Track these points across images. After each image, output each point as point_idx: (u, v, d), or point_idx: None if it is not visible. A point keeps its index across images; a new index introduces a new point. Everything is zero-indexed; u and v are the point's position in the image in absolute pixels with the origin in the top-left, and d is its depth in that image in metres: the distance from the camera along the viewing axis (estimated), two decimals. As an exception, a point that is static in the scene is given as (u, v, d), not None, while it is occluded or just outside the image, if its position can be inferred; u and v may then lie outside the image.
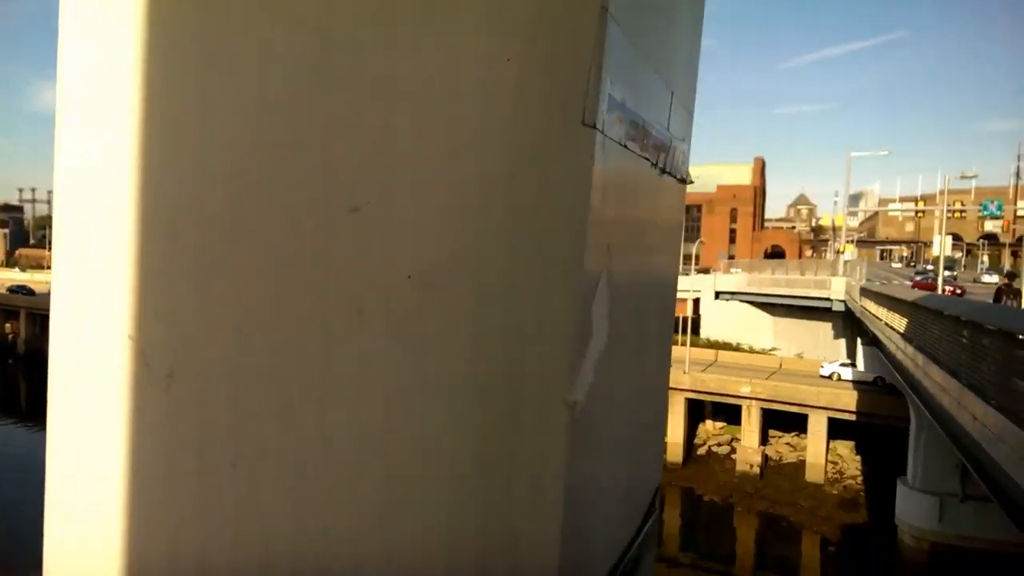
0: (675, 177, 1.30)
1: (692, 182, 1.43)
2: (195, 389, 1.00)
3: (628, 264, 1.11)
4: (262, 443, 1.00)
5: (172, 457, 1.02)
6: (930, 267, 59.12)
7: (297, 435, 0.98)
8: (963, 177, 44.21)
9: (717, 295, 59.21)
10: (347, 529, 0.99)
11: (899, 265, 76.78)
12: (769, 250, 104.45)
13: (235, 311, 0.97)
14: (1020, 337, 10.50)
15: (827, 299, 48.46)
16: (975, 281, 57.79)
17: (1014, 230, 35.16)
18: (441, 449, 0.93)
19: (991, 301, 26.07)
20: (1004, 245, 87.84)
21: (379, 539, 0.98)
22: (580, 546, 1.02)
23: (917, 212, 68.25)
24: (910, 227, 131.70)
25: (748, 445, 42.03)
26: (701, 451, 44.28)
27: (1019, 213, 28.82)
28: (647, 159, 1.08)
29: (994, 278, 48.89)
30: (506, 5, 0.85)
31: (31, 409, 45.57)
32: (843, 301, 45.96)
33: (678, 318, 52.26)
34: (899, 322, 23.98)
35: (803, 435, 41.70)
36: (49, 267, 1.39)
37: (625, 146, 0.95)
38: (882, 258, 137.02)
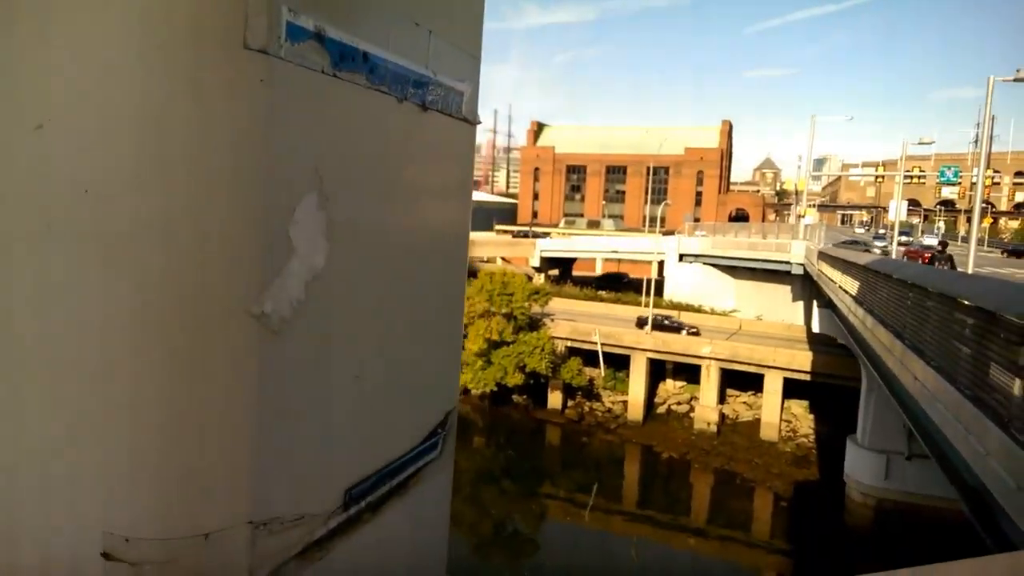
0: (449, 115, 1.34)
1: (479, 122, 1.47)
2: None
3: (367, 196, 1.15)
4: None
5: None
6: (883, 231, 60.38)
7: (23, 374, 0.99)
8: (921, 143, 44.82)
9: (681, 257, 59.78)
10: (63, 468, 1.00)
11: (862, 230, 78.15)
12: (734, 213, 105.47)
13: None
14: (958, 300, 10.75)
15: (787, 262, 49.27)
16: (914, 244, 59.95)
17: (970, 196, 35.92)
18: (128, 360, 0.94)
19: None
20: (960, 211, 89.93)
21: (63, 467, 0.99)
22: (288, 465, 1.05)
23: (877, 177, 69.34)
24: (871, 192, 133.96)
25: (706, 404, 43.01)
26: (661, 410, 45.20)
27: (973, 180, 29.36)
28: (385, 92, 1.12)
29: (933, 241, 51.28)
30: None
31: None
32: (802, 265, 46.76)
33: (644, 280, 52.78)
34: (851, 285, 24.49)
35: (759, 394, 42.79)
36: None
37: (335, 75, 1.00)
38: (843, 222, 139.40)
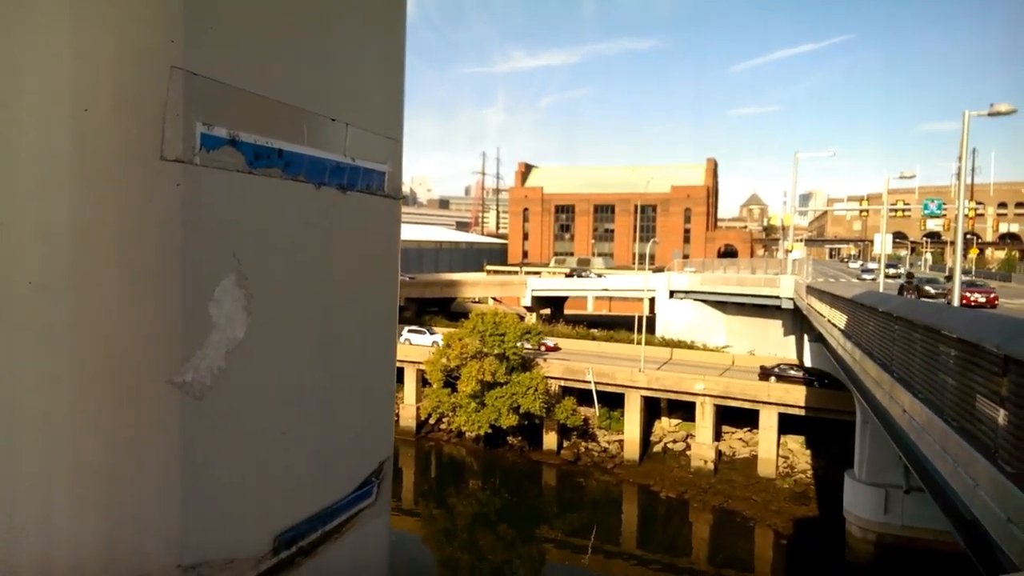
0: (372, 194, 1.54)
1: (401, 197, 1.66)
2: None
3: (289, 270, 1.32)
4: None
5: None
6: (873, 264, 61.06)
7: None
8: (902, 177, 45.65)
9: (671, 294, 60.01)
10: None
11: (856, 265, 78.75)
12: (722, 249, 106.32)
13: None
14: (942, 332, 10.89)
15: (776, 297, 49.53)
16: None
17: (954, 228, 36.56)
18: (60, 443, 1.08)
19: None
20: (947, 243, 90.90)
21: (1, 538, 1.11)
22: (215, 515, 1.19)
23: (862, 211, 70.30)
24: (858, 226, 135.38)
25: (702, 441, 42.70)
26: (657, 448, 44.83)
27: (956, 212, 30.10)
28: (302, 180, 1.31)
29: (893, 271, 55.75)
30: (79, 63, 1.05)
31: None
32: (791, 299, 47.02)
33: (635, 316, 52.87)
34: (839, 318, 24.66)
35: (755, 430, 42.53)
36: None
37: (250, 172, 1.17)
38: (831, 256, 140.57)
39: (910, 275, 38.23)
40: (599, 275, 76.12)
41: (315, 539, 1.41)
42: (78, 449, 1.09)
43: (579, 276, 76.88)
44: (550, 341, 52.78)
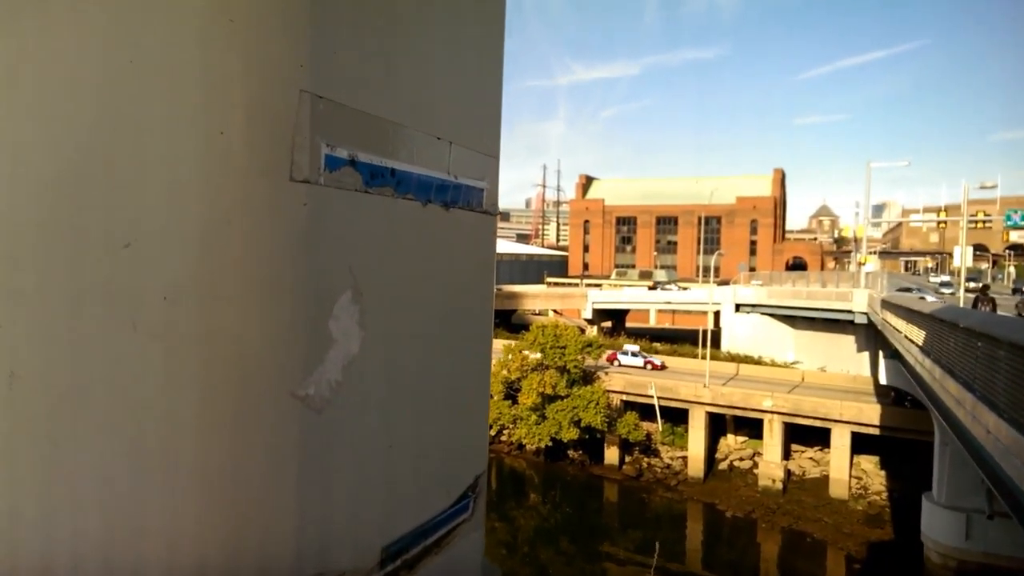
0: (471, 210, 1.59)
1: (497, 213, 1.72)
2: None
3: (399, 287, 1.38)
4: (27, 443, 1.21)
5: None
6: (949, 278, 58.37)
7: (50, 436, 1.19)
8: (982, 187, 43.55)
9: (737, 308, 58.68)
10: (97, 529, 1.16)
11: (937, 279, 74.90)
12: (791, 262, 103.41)
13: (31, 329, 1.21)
14: (1032, 349, 10.32)
15: (849, 311, 47.82)
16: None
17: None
18: (185, 449, 1.13)
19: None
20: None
21: (129, 539, 1.15)
22: (330, 526, 1.23)
23: (939, 223, 67.22)
24: (934, 238, 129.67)
25: (770, 459, 41.48)
26: (723, 466, 43.80)
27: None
28: (411, 199, 1.37)
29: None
30: (211, 87, 1.11)
31: None
32: (865, 314, 45.33)
33: (700, 331, 51.91)
34: (917, 334, 23.63)
35: (826, 449, 41.08)
36: None
37: (366, 191, 1.24)
38: (907, 269, 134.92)
39: (985, 287, 36.73)
40: (684, 288, 74.72)
41: (417, 553, 1.45)
42: (202, 456, 1.14)
43: (662, 289, 75.67)
44: (656, 360, 52.02)
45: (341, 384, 1.22)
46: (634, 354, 52.33)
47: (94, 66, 1.17)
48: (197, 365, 1.13)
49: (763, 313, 56.84)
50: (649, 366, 50.53)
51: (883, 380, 35.60)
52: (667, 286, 78.15)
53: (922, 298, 37.88)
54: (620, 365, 50.45)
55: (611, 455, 44.38)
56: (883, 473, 39.82)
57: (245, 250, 1.12)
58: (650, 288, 77.49)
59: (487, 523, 1.79)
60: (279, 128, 1.12)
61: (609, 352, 50.89)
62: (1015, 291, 42.02)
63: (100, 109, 1.17)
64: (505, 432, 45.22)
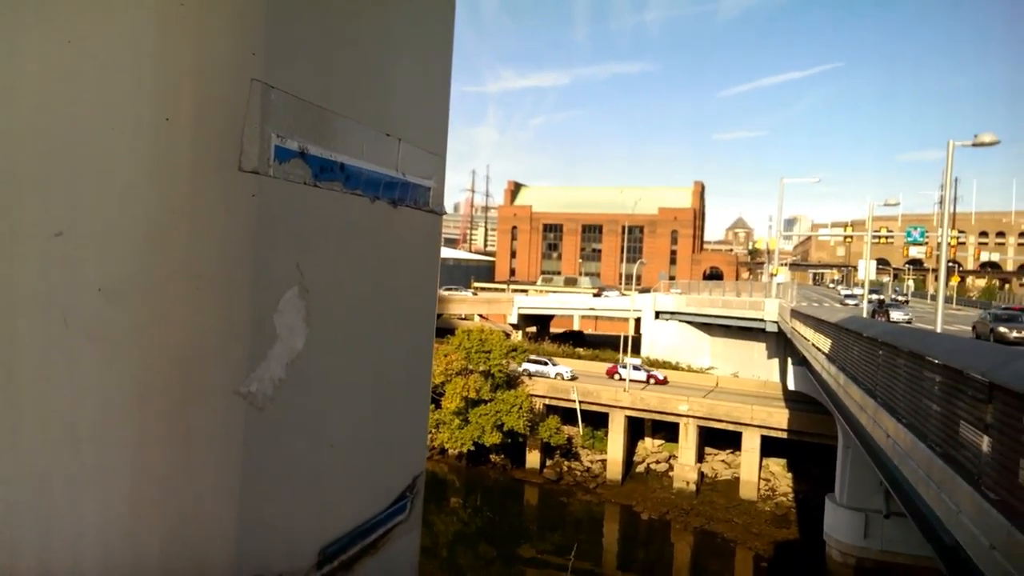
0: (417, 208, 1.59)
1: (443, 213, 1.71)
2: None
3: (344, 284, 1.36)
4: None
5: None
6: (856, 290, 61.80)
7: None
8: (886, 204, 46.25)
9: (657, 315, 60.23)
10: (31, 530, 1.13)
11: (846, 291, 79.32)
12: (708, 271, 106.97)
13: None
14: (927, 359, 10.99)
15: (761, 320, 49.83)
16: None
17: (936, 256, 37.25)
18: (122, 447, 1.10)
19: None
20: (929, 270, 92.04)
21: (64, 540, 1.12)
22: (270, 527, 1.20)
23: (846, 237, 71.12)
24: (841, 251, 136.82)
25: (685, 462, 42.71)
26: (640, 468, 44.78)
27: (939, 240, 30.64)
28: (359, 194, 1.36)
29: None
30: (157, 72, 1.08)
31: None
32: (776, 322, 47.33)
33: (620, 336, 52.96)
34: (824, 343, 24.83)
35: (738, 452, 42.62)
36: None
37: (315, 185, 1.22)
38: (815, 281, 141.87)
39: (881, 300, 41.52)
40: (623, 294, 75.85)
41: (354, 554, 1.43)
42: (139, 456, 1.10)
43: (605, 296, 76.41)
44: (660, 374, 50.17)
45: (284, 382, 1.19)
46: (636, 368, 50.00)
47: (29, 47, 1.11)
48: (135, 361, 1.09)
49: (682, 320, 58.55)
50: (652, 380, 48.88)
51: (791, 386, 37.27)
52: (608, 292, 79.43)
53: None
54: (621, 379, 48.56)
55: (533, 459, 44.68)
56: (790, 475, 41.63)
57: (189, 241, 1.08)
58: (595, 295, 78.52)
59: (411, 528, 1.76)
60: (229, 117, 1.09)
61: (609, 366, 49.63)
62: (881, 302, 45.94)
63: (35, 93, 1.11)
64: (427, 437, 44.77)
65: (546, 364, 50.27)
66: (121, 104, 1.09)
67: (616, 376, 49.54)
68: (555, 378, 48.25)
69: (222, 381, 1.11)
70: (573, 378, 47.58)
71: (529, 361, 50.21)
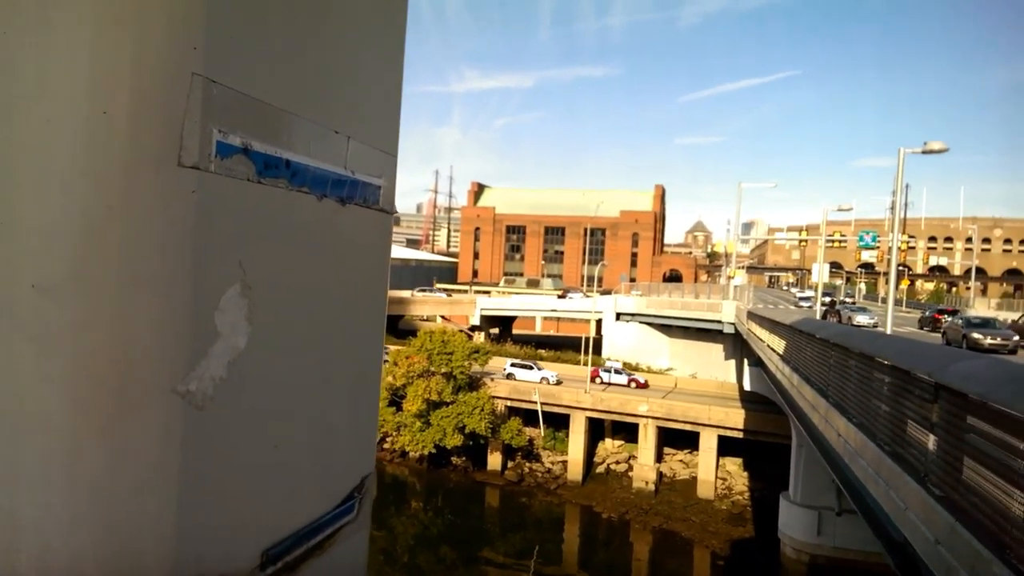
0: (367, 207, 1.58)
1: (394, 212, 1.70)
2: None
3: (290, 282, 1.34)
4: None
5: None
6: (809, 292, 63.36)
7: None
8: (840, 210, 47.61)
9: (618, 316, 60.77)
10: None
11: (801, 293, 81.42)
12: (668, 274, 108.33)
13: None
14: (876, 359, 11.31)
15: (719, 321, 50.63)
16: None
17: (888, 259, 38.48)
18: (57, 447, 1.07)
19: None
20: (880, 273, 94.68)
21: (1, 534, 1.09)
22: (209, 528, 1.18)
23: (801, 241, 72.83)
24: (796, 255, 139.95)
25: (644, 462, 43.15)
26: (600, 469, 45.07)
27: (890, 244, 31.86)
28: (306, 192, 1.34)
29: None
30: (94, 64, 1.05)
31: None
32: (733, 324, 48.14)
33: (583, 338, 53.31)
34: (779, 344, 25.35)
35: (695, 452, 43.21)
36: None
37: (259, 182, 1.20)
38: (771, 284, 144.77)
39: (832, 302, 43.91)
40: (587, 295, 76.11)
41: (299, 555, 1.41)
42: (76, 456, 1.07)
43: (570, 298, 76.46)
44: (641, 378, 50.34)
45: (225, 381, 1.17)
46: (617, 371, 50.62)
47: None
48: (70, 358, 1.07)
49: (642, 322, 59.18)
50: (633, 384, 49.25)
51: (747, 386, 37.95)
52: (572, 294, 79.59)
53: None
54: (603, 382, 48.82)
55: (494, 461, 44.64)
56: (746, 474, 42.36)
57: (127, 237, 1.06)
58: (560, 296, 78.55)
59: (365, 531, 1.75)
60: (168, 111, 1.07)
61: (591, 368, 49.82)
62: (832, 303, 48.01)
63: None
64: (388, 439, 44.43)
65: (531, 368, 50.41)
66: (57, 97, 1.06)
67: (598, 380, 49.63)
68: (541, 382, 48.34)
69: (160, 380, 1.09)
70: (558, 382, 47.71)
71: (514, 365, 50.51)
